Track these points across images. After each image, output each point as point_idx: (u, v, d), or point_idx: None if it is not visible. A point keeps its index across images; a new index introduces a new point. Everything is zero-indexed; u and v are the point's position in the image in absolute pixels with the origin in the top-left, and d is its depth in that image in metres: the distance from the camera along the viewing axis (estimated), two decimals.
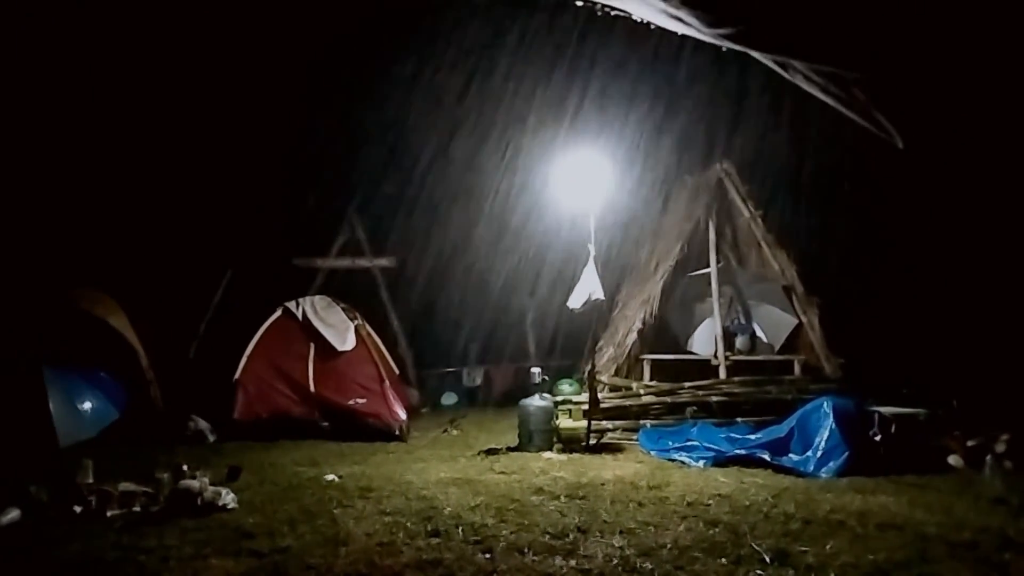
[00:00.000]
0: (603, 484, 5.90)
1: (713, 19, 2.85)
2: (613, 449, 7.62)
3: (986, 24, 2.98)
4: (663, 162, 11.53)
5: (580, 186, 8.02)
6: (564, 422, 7.80)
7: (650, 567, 3.94)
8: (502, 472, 6.44)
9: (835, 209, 10.82)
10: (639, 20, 3.07)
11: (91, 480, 5.47)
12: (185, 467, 5.61)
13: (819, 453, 6.42)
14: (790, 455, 6.66)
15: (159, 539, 4.45)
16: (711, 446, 7.10)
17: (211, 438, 8.16)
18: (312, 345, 8.80)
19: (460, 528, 4.65)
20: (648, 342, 10.15)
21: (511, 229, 12.69)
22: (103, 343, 8.80)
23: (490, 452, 7.48)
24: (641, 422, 8.27)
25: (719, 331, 9.85)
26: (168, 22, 9.14)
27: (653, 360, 9.93)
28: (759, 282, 10.47)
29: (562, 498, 5.46)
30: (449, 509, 5.12)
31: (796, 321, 10.06)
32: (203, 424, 8.26)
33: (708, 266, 10.15)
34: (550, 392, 9.04)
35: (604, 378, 9.33)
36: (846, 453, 6.33)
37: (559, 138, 10.77)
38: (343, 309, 9.46)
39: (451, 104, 12.39)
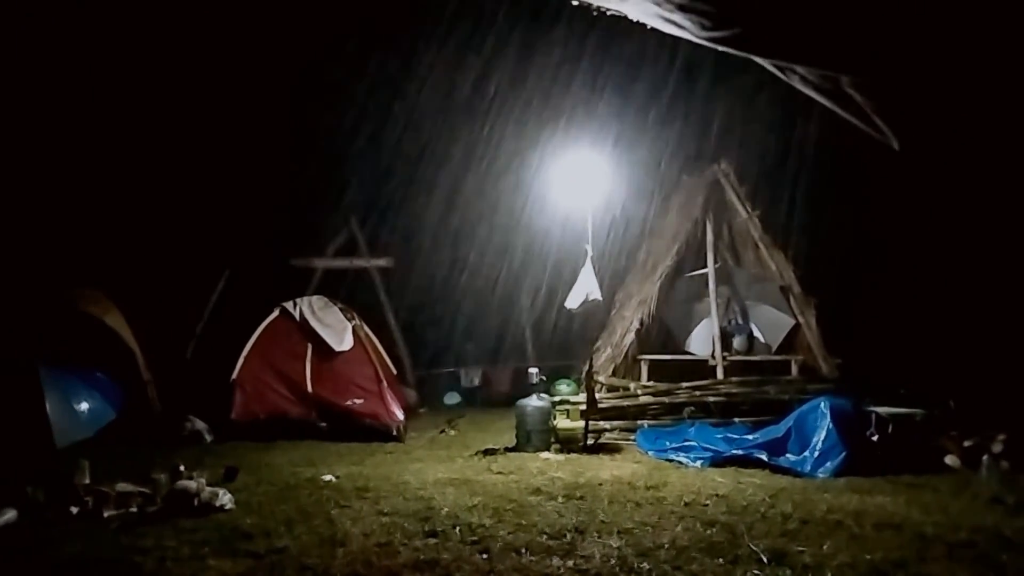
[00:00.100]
0: (601, 484, 5.90)
1: (708, 23, 2.85)
2: (611, 449, 7.62)
3: (986, 24, 2.98)
4: (661, 162, 11.54)
5: (578, 186, 8.02)
6: (562, 422, 7.80)
7: (648, 567, 3.95)
8: (500, 472, 6.44)
9: (832, 209, 10.83)
10: (635, 21, 3.08)
11: (88, 481, 5.45)
12: (182, 467, 5.62)
13: (816, 453, 6.43)
14: (787, 455, 6.67)
15: (156, 540, 4.44)
16: (708, 446, 7.11)
17: (208, 438, 8.15)
18: (309, 345, 8.79)
19: (457, 528, 4.65)
20: (646, 342, 10.16)
21: (509, 229, 12.70)
22: (100, 343, 8.77)
23: (488, 452, 7.47)
24: (639, 422, 8.28)
25: (716, 331, 9.86)
26: (168, 22, 9.14)
27: (651, 360, 9.93)
28: (756, 282, 10.48)
29: (560, 498, 5.46)
30: (446, 509, 5.12)
31: (793, 321, 10.07)
32: (200, 424, 8.24)
33: (706, 266, 10.17)
34: (548, 392, 9.03)
35: (602, 378, 9.34)
36: (843, 453, 6.34)
37: (557, 139, 10.77)
38: (340, 309, 9.46)
39: (450, 105, 12.40)
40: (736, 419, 8.07)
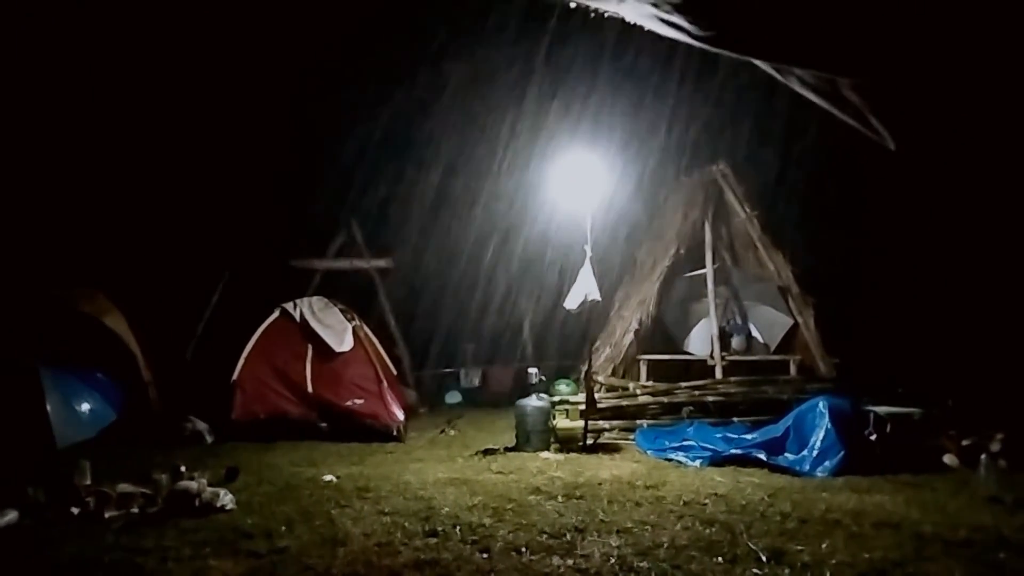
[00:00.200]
0: (600, 484, 5.92)
1: (705, 25, 2.86)
2: (610, 449, 7.64)
3: (984, 24, 3.00)
4: (660, 163, 11.56)
5: (577, 187, 8.03)
6: (561, 422, 7.82)
7: (647, 566, 3.96)
8: (499, 472, 6.46)
9: (830, 210, 10.85)
10: (631, 23, 3.09)
11: (89, 481, 5.46)
12: (183, 468, 5.63)
13: (815, 452, 6.45)
14: (786, 454, 6.69)
15: (157, 540, 4.46)
16: (707, 446, 7.13)
17: (209, 439, 8.15)
18: (310, 346, 8.80)
19: (458, 528, 4.67)
20: (645, 342, 10.17)
21: (508, 230, 12.71)
22: (101, 344, 8.79)
23: (487, 452, 7.49)
24: (638, 422, 8.30)
25: (715, 331, 9.88)
26: (168, 22, 9.14)
27: (650, 360, 9.95)
28: (755, 282, 10.50)
29: (559, 498, 5.48)
30: (447, 509, 5.14)
31: (792, 321, 10.09)
32: (201, 425, 8.25)
33: (704, 267, 10.19)
34: (547, 392, 9.06)
35: (601, 378, 9.36)
36: (842, 452, 6.35)
37: (556, 139, 10.79)
38: (341, 310, 9.47)
39: (450, 105, 12.42)
40: (735, 419, 8.09)
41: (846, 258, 10.59)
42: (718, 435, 7.41)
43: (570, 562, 4.06)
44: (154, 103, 10.17)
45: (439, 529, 4.65)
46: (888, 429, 6.63)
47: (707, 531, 4.60)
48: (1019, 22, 2.90)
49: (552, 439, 7.67)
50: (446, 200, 12.99)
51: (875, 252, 10.65)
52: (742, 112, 11.35)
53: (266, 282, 10.85)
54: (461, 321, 13.00)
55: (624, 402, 8.56)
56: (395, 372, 10.07)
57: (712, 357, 9.74)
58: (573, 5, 3.11)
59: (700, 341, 10.37)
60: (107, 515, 5.01)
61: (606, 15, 3.14)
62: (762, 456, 6.69)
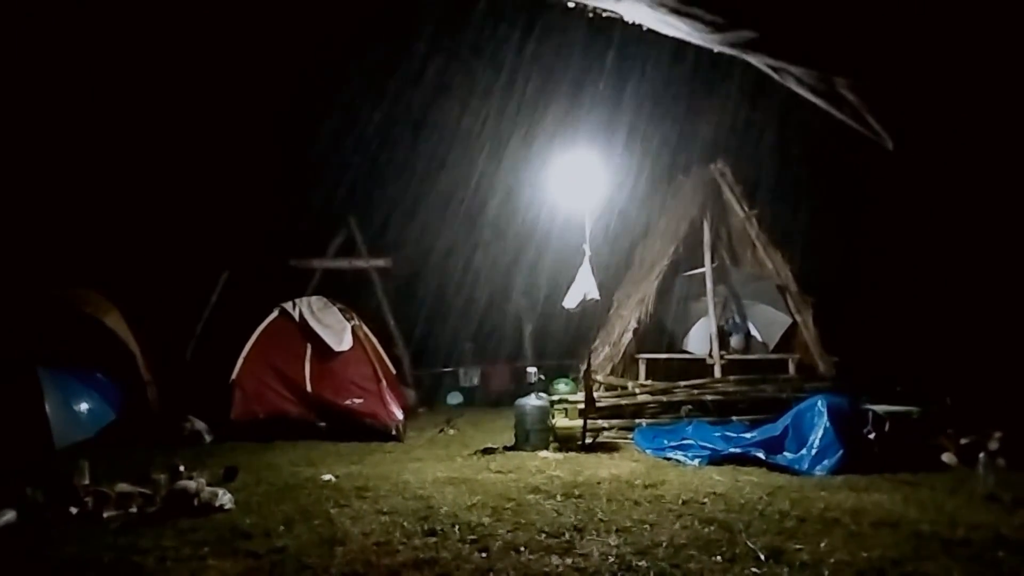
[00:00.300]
0: (599, 483, 5.92)
1: (703, 24, 2.87)
2: (609, 448, 7.65)
3: (982, 24, 3.00)
4: (658, 162, 11.56)
5: (576, 186, 8.03)
6: (560, 421, 7.82)
7: (646, 565, 3.97)
8: (498, 471, 6.46)
9: (829, 209, 10.85)
10: (631, 23, 3.09)
11: (87, 481, 5.46)
12: (182, 468, 5.64)
13: (814, 451, 6.46)
14: (785, 453, 6.70)
15: (156, 540, 4.46)
16: (706, 445, 7.14)
17: (208, 439, 8.16)
18: (309, 345, 8.80)
19: (456, 527, 4.67)
20: (644, 341, 10.18)
21: (508, 230, 12.71)
22: (100, 344, 8.79)
23: (486, 451, 7.49)
24: (637, 421, 8.30)
25: (714, 330, 9.88)
26: (168, 22, 9.14)
27: (648, 359, 9.96)
28: (754, 281, 10.50)
29: (558, 497, 5.48)
30: (446, 508, 5.14)
31: (790, 320, 10.09)
32: (200, 425, 8.25)
33: (703, 266, 10.19)
34: (546, 391, 9.06)
35: (600, 377, 9.36)
36: (840, 451, 6.36)
37: (555, 139, 10.79)
38: (340, 309, 9.47)
39: (449, 105, 12.41)
40: (734, 417, 8.10)
41: (845, 257, 10.59)
42: (717, 434, 7.42)
43: (569, 561, 4.06)
44: (154, 103, 10.17)
45: (438, 528, 4.65)
46: (887, 428, 6.63)
47: (706, 530, 4.61)
48: (1016, 21, 2.91)
49: (551, 438, 7.67)
50: (446, 200, 12.99)
51: (874, 251, 10.65)
52: (742, 111, 11.34)
53: (265, 281, 10.85)
54: (460, 320, 12.99)
55: (623, 401, 8.56)
56: (394, 372, 10.07)
57: (711, 356, 9.74)
58: (572, 5, 3.12)
59: (699, 340, 10.37)
60: (106, 515, 5.01)
61: (604, 15, 3.14)
62: (761, 455, 6.70)
